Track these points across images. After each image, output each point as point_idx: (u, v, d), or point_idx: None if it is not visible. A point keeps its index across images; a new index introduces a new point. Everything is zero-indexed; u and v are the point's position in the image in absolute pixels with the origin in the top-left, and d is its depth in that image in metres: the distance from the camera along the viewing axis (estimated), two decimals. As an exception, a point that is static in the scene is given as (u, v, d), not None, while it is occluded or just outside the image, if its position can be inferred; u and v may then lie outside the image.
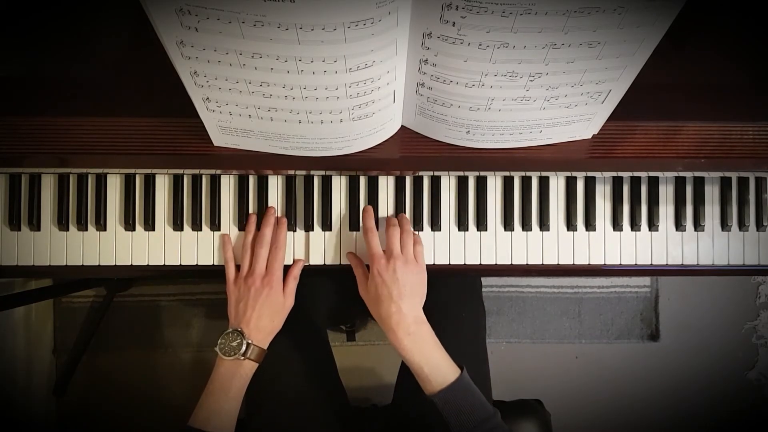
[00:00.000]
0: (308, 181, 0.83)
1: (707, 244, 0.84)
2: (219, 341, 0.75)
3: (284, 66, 0.56)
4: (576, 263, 0.84)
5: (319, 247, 0.83)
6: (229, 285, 0.79)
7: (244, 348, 0.74)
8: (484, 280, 1.17)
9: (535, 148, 0.74)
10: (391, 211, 0.84)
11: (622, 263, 0.84)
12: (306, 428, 0.86)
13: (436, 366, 0.72)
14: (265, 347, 0.78)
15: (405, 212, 0.84)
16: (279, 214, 0.83)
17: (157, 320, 1.53)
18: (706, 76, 0.77)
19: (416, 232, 0.82)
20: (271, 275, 0.78)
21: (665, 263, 0.84)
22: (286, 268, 0.81)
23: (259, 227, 0.82)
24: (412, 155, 0.75)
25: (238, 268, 0.80)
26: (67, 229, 0.82)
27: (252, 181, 0.83)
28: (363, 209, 0.82)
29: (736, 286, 1.63)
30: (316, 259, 0.83)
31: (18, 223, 0.82)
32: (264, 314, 0.77)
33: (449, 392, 0.70)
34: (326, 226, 0.83)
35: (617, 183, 0.84)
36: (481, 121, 0.68)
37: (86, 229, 0.82)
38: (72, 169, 0.81)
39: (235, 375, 0.74)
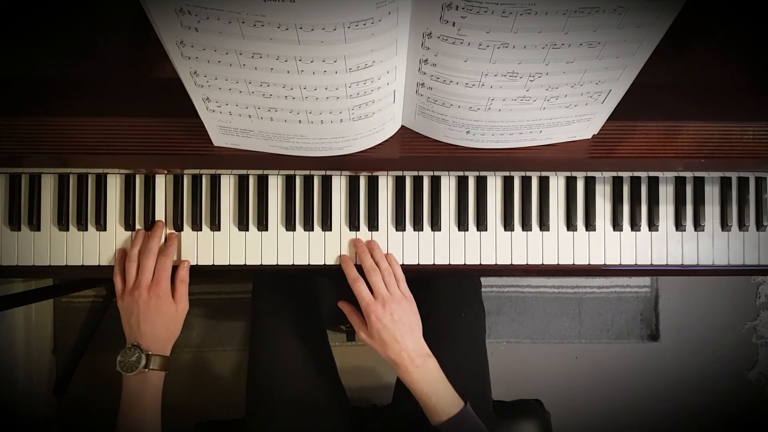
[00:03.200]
0: (308, 181, 0.83)
1: (707, 244, 0.84)
2: (118, 359, 0.74)
3: (284, 66, 0.56)
4: (576, 263, 0.84)
5: (319, 248, 0.83)
6: (118, 300, 0.78)
7: (144, 361, 0.73)
8: (484, 280, 1.17)
9: (535, 148, 0.74)
10: (391, 211, 0.84)
11: (622, 263, 0.84)
12: (306, 428, 0.86)
13: (442, 397, 0.74)
14: (167, 354, 0.77)
15: (405, 212, 0.84)
16: (279, 215, 0.83)
17: (157, 320, 1.53)
18: (706, 76, 0.77)
19: (395, 264, 0.81)
20: (157, 284, 0.76)
21: (665, 263, 0.84)
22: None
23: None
24: (412, 155, 0.75)
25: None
26: (67, 229, 0.82)
27: (252, 181, 0.83)
28: (341, 259, 0.82)
29: (736, 286, 1.63)
30: (316, 260, 0.83)
31: (18, 223, 0.82)
32: (157, 324, 0.76)
33: (455, 421, 0.72)
34: (326, 226, 0.83)
35: (617, 183, 0.84)
36: (481, 121, 0.68)
37: (86, 229, 0.82)
38: (72, 169, 0.81)
39: (143, 389, 0.74)
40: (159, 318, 0.76)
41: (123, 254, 0.80)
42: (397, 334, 0.75)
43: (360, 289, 0.77)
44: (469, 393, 0.77)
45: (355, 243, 0.82)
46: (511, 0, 0.49)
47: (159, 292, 0.76)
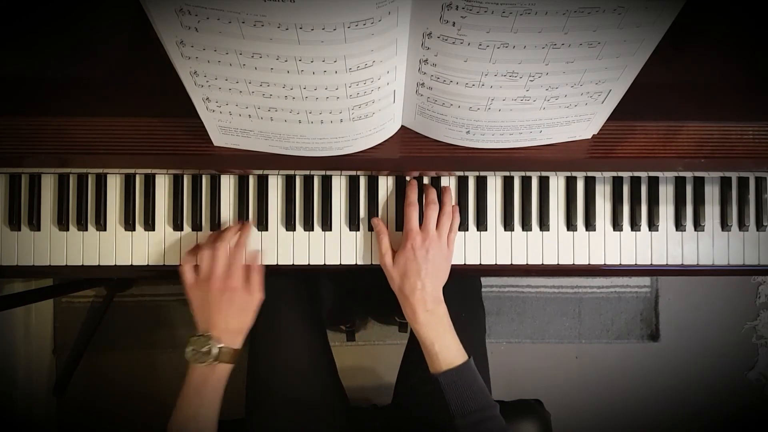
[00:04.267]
0: (308, 181, 0.83)
1: (707, 244, 0.84)
2: (188, 348, 0.73)
3: (284, 66, 0.56)
4: (576, 263, 0.84)
5: (319, 247, 0.83)
6: (190, 288, 0.77)
7: (216, 352, 0.73)
8: (484, 280, 1.17)
9: (535, 148, 0.74)
10: (391, 211, 0.84)
11: (622, 263, 0.84)
12: (306, 428, 0.86)
13: (446, 346, 0.73)
14: (238, 347, 0.77)
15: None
16: (279, 215, 0.83)
17: (157, 320, 1.53)
18: (707, 76, 0.77)
19: (457, 217, 0.81)
20: (232, 275, 0.76)
21: (665, 263, 0.84)
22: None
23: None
24: (412, 155, 0.75)
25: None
26: (67, 229, 0.82)
27: (252, 181, 0.83)
28: (409, 182, 0.82)
29: (736, 286, 1.63)
30: (316, 259, 0.83)
31: (18, 223, 0.82)
32: (231, 315, 0.75)
33: (455, 374, 0.72)
34: (326, 226, 0.83)
35: (617, 183, 0.84)
36: (481, 121, 0.68)
37: (86, 229, 0.82)
38: (72, 169, 0.81)
39: (208, 379, 0.73)
40: (232, 309, 0.75)
41: (196, 244, 0.81)
42: (422, 271, 0.74)
43: (411, 213, 0.77)
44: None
45: (426, 186, 0.82)
46: (511, 0, 0.49)
47: (234, 282, 0.76)
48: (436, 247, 0.76)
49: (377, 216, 0.83)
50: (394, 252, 0.78)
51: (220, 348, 0.73)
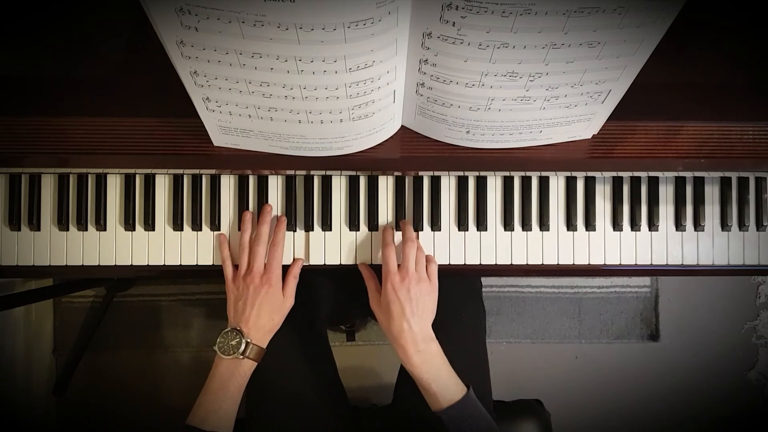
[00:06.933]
0: (308, 181, 0.83)
1: (707, 244, 0.84)
2: (218, 340, 0.75)
3: (284, 66, 0.56)
4: (576, 263, 0.84)
5: (319, 247, 0.83)
6: (228, 284, 0.79)
7: (243, 347, 0.74)
8: (484, 280, 1.17)
9: (535, 148, 0.74)
10: (391, 211, 0.84)
11: (622, 263, 0.84)
12: (306, 428, 0.86)
13: (443, 384, 0.73)
14: (264, 346, 0.78)
15: (405, 212, 0.84)
16: (279, 214, 0.83)
17: (157, 320, 1.53)
18: (706, 76, 0.77)
19: (429, 254, 0.83)
20: (270, 273, 0.77)
21: (665, 263, 0.84)
22: (285, 268, 0.81)
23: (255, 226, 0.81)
24: (412, 155, 0.75)
25: (235, 267, 0.80)
26: (67, 229, 0.82)
27: (252, 181, 0.83)
28: (384, 227, 0.82)
29: (736, 286, 1.63)
30: (316, 259, 0.83)
31: (18, 223, 0.82)
32: (263, 313, 0.77)
33: (456, 409, 0.71)
34: (326, 226, 0.83)
35: (617, 183, 0.84)
36: (481, 121, 0.68)
37: (86, 229, 0.82)
38: (72, 169, 0.81)
39: (234, 374, 0.74)
40: (266, 307, 0.77)
41: (225, 239, 0.82)
42: (406, 310, 0.74)
43: (389, 255, 0.77)
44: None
45: (403, 222, 0.82)
46: (511, 0, 0.49)
47: (271, 281, 0.77)
48: (416, 285, 0.75)
49: (377, 216, 0.83)
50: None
51: (247, 343, 0.74)
